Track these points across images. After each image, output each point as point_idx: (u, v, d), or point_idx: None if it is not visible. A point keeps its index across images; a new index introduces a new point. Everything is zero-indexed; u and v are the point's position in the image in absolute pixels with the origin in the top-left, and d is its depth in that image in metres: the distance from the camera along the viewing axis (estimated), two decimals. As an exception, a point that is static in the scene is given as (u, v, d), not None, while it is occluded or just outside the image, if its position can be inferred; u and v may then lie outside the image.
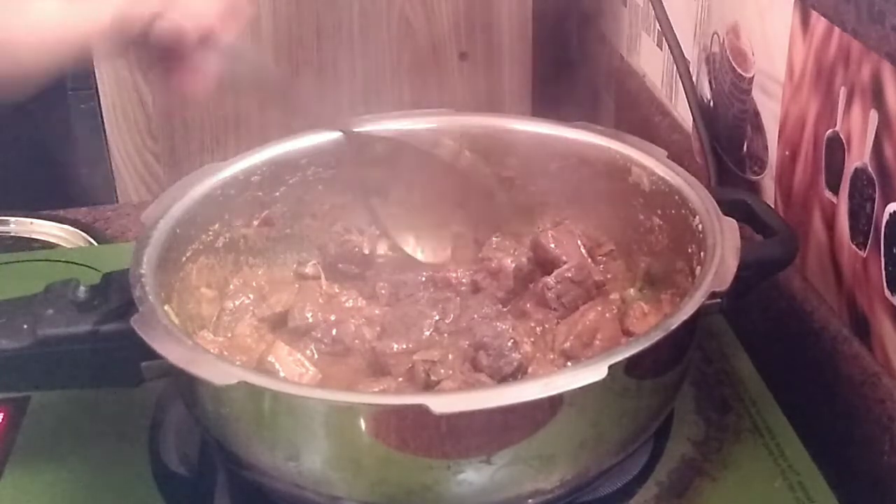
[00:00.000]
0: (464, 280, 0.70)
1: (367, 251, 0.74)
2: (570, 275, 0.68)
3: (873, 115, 0.61)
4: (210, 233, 0.68)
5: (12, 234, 1.05)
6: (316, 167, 0.73)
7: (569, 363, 0.63)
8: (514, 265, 0.70)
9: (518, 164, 0.75)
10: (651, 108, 1.01)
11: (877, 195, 0.61)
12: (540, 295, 0.68)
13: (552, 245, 0.71)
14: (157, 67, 0.61)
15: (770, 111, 0.75)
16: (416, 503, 0.54)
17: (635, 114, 1.06)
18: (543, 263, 0.71)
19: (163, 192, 0.66)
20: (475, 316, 0.66)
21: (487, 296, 0.69)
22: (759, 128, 0.77)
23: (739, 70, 0.79)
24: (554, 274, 0.69)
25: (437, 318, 0.66)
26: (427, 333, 0.66)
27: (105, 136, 1.14)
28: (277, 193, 0.72)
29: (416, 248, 0.76)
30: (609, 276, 0.71)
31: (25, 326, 0.57)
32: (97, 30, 0.57)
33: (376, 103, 1.12)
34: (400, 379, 0.62)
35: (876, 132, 0.61)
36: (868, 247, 0.63)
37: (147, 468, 0.63)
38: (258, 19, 1.11)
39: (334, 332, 0.66)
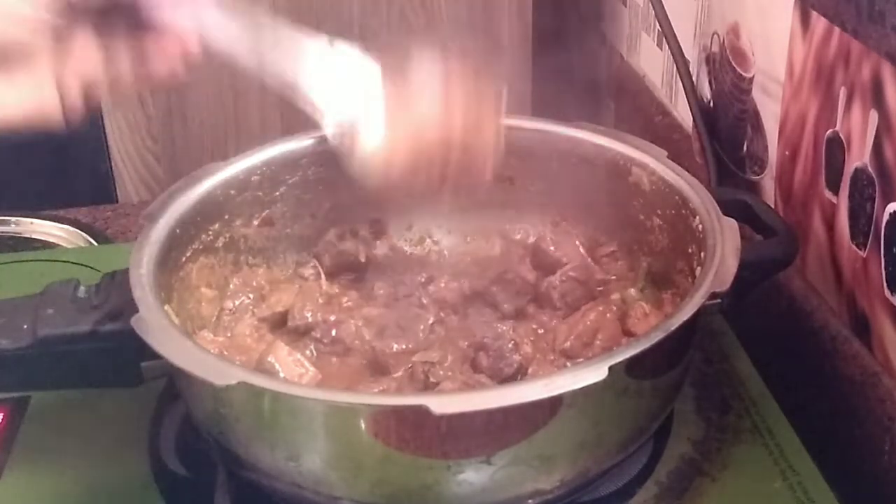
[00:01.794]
0: (466, 293, 0.70)
1: (363, 258, 0.74)
2: (573, 274, 0.69)
3: (873, 115, 0.61)
4: (210, 233, 0.68)
5: (12, 234, 1.05)
6: (316, 167, 0.73)
7: (569, 364, 0.63)
8: (525, 279, 0.70)
9: (518, 163, 0.75)
10: (651, 108, 1.01)
11: (877, 195, 0.61)
12: (544, 294, 0.68)
13: (552, 248, 0.71)
14: (124, 36, 0.57)
15: (770, 111, 0.75)
16: (416, 503, 0.54)
17: (635, 114, 1.06)
18: (544, 267, 0.71)
19: (163, 192, 0.66)
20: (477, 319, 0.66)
21: (487, 304, 0.69)
22: (759, 128, 0.77)
23: (739, 70, 0.79)
24: (558, 273, 0.69)
25: (432, 320, 0.66)
26: (426, 334, 0.66)
27: (105, 136, 1.14)
28: (277, 193, 0.72)
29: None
30: (613, 277, 0.71)
31: (25, 326, 0.57)
32: None
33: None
34: (399, 378, 0.62)
35: (876, 132, 0.61)
36: (868, 247, 0.63)
37: (147, 468, 0.63)
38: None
39: (334, 332, 0.66)
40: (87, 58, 0.57)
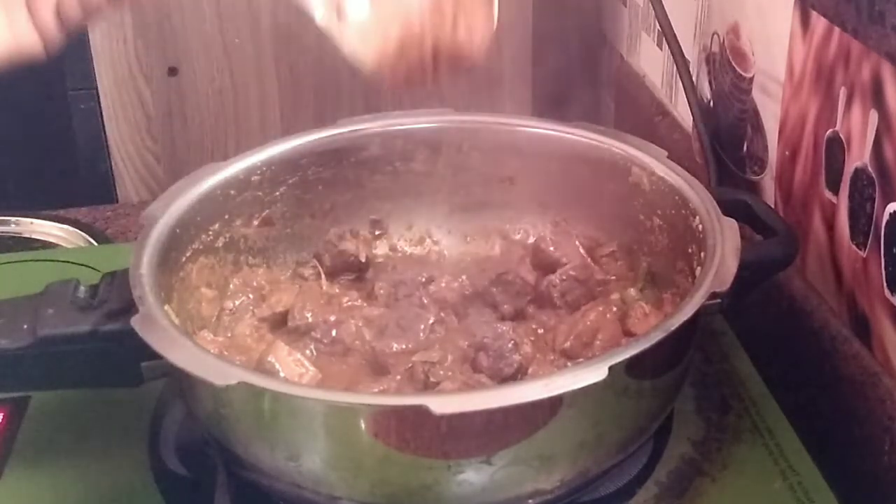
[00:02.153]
0: (467, 292, 0.70)
1: (363, 258, 0.74)
2: (574, 273, 0.69)
3: (873, 115, 0.61)
4: (210, 233, 0.68)
5: (12, 234, 1.05)
6: (316, 167, 0.73)
7: (569, 364, 0.63)
8: (525, 280, 0.70)
9: (518, 164, 0.75)
10: (651, 108, 1.01)
11: (877, 195, 0.61)
12: (544, 293, 0.68)
13: (552, 248, 0.71)
14: None
15: (770, 111, 0.75)
16: (416, 503, 0.54)
17: (635, 114, 1.06)
18: (544, 267, 0.71)
19: (163, 192, 0.66)
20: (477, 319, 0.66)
21: (487, 304, 0.69)
22: (759, 128, 0.77)
23: (739, 70, 0.79)
24: (558, 272, 0.69)
25: (433, 320, 0.66)
26: (426, 334, 0.65)
27: (105, 136, 1.14)
28: (277, 193, 0.72)
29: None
30: (613, 277, 0.71)
31: (25, 326, 0.57)
32: None
33: (376, 103, 1.12)
34: (399, 377, 0.62)
35: (876, 132, 0.61)
36: (868, 247, 0.63)
37: (147, 468, 0.63)
38: (258, 18, 1.12)
39: (334, 332, 0.66)
40: None
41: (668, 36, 0.89)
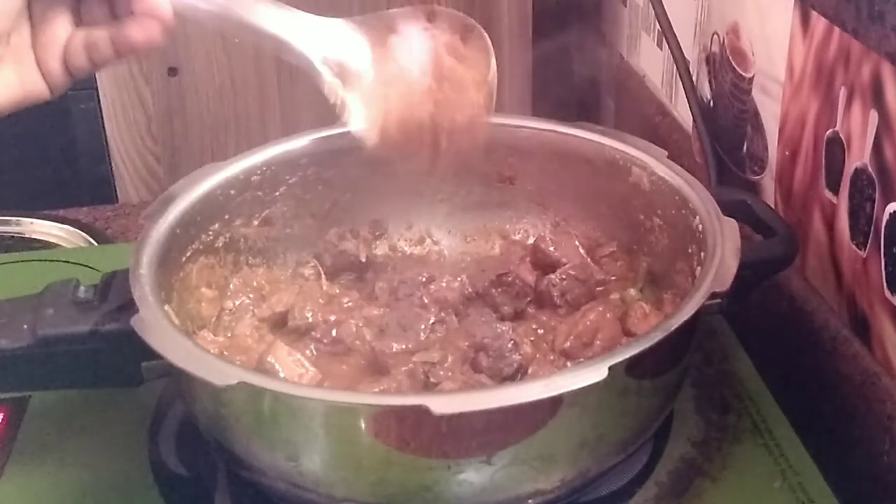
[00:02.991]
0: (467, 292, 0.70)
1: (363, 258, 0.74)
2: (573, 272, 0.69)
3: (873, 115, 0.61)
4: (210, 233, 0.68)
5: (12, 234, 1.05)
6: (316, 167, 0.73)
7: (569, 364, 0.63)
8: (525, 281, 0.70)
9: (518, 163, 0.75)
10: (651, 108, 1.01)
11: (877, 195, 0.61)
12: (544, 293, 0.68)
13: (552, 248, 0.71)
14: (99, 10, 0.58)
15: (770, 111, 0.75)
16: (416, 503, 0.54)
17: (635, 114, 1.06)
18: (544, 267, 0.71)
19: (163, 192, 0.66)
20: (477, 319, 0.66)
21: (487, 304, 0.69)
22: (759, 128, 0.77)
23: (739, 70, 0.79)
24: (558, 272, 0.69)
25: (433, 320, 0.66)
26: (426, 334, 0.65)
27: (105, 136, 1.14)
28: (277, 193, 0.72)
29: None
30: (613, 277, 0.71)
31: (25, 326, 0.57)
32: None
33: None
34: (399, 378, 0.62)
35: (876, 132, 0.61)
36: (868, 247, 0.63)
37: (147, 468, 0.63)
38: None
39: (334, 332, 0.66)
40: (63, 35, 0.58)
41: (668, 36, 0.89)
